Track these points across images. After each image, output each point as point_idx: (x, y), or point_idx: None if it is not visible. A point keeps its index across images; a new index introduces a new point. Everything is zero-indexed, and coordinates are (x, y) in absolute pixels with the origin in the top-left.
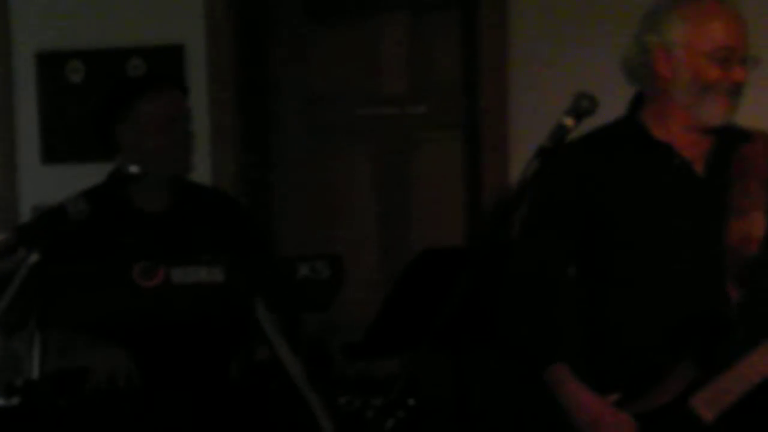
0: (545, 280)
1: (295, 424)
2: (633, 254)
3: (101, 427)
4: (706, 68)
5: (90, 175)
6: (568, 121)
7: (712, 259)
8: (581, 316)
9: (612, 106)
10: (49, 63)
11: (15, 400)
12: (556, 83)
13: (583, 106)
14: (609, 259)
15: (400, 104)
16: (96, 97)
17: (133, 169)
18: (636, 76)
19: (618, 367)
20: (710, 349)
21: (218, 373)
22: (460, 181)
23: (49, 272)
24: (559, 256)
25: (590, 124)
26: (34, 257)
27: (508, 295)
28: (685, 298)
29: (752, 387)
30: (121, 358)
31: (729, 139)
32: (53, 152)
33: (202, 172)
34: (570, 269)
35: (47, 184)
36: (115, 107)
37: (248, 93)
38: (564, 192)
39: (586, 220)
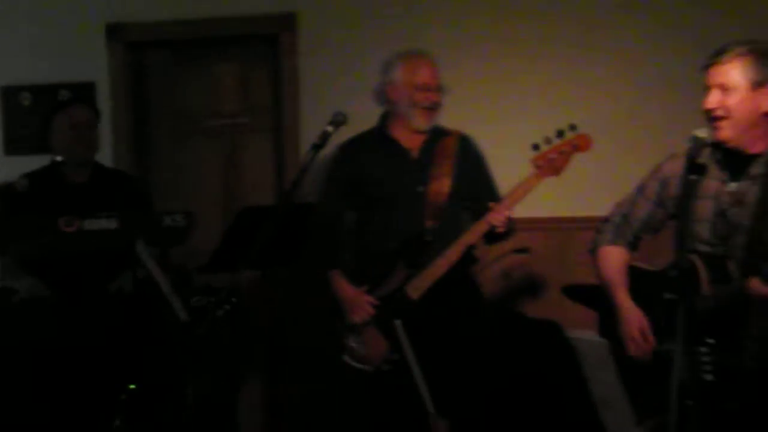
0: (331, 222)
1: (165, 315)
2: (381, 203)
3: (28, 328)
4: (415, 94)
5: (39, 163)
6: (330, 129)
7: (418, 204)
8: (354, 243)
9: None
10: (9, 93)
11: None
12: (332, 105)
13: (339, 120)
14: (370, 207)
15: (234, 117)
16: (39, 115)
17: (58, 158)
18: (380, 101)
19: (368, 270)
20: (416, 256)
21: (109, 285)
22: (271, 167)
23: (4, 223)
24: (340, 207)
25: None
26: None
27: (311, 230)
28: (405, 227)
29: (444, 273)
30: (38, 284)
31: (441, 135)
32: (13, 148)
33: (108, 162)
34: (349, 214)
35: (10, 170)
36: (45, 120)
37: (136, 112)
38: (343, 170)
39: (357, 185)
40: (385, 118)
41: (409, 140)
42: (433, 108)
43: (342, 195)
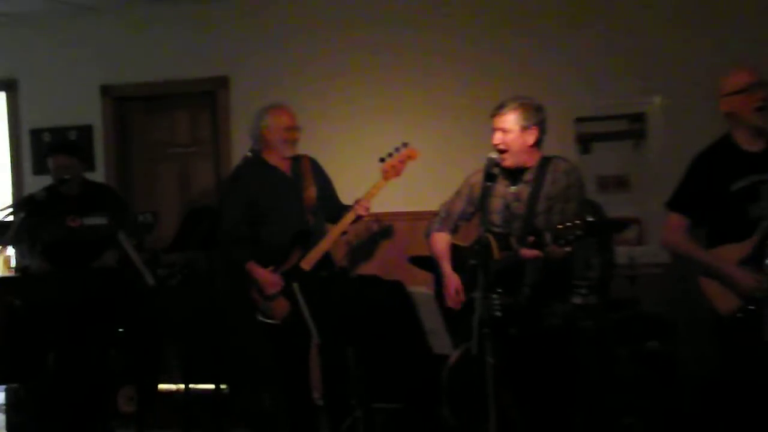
0: (238, 232)
1: (138, 282)
2: (274, 212)
3: (39, 291)
4: (284, 134)
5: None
6: (249, 154)
7: (300, 208)
8: (254, 238)
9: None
10: (34, 133)
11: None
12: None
13: (256, 148)
14: (263, 214)
15: (186, 147)
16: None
17: (66, 177)
18: (257, 139)
19: (270, 256)
20: (306, 240)
21: (93, 263)
22: (211, 182)
23: (29, 222)
24: (241, 218)
25: None
26: (22, 215)
27: (221, 233)
28: (293, 225)
29: (330, 246)
30: (44, 262)
31: (299, 158)
32: (38, 169)
33: (100, 178)
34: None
35: (36, 185)
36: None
37: (120, 146)
38: (241, 191)
39: (253, 202)
40: (257, 150)
41: (282, 164)
42: (296, 141)
43: (241, 210)
